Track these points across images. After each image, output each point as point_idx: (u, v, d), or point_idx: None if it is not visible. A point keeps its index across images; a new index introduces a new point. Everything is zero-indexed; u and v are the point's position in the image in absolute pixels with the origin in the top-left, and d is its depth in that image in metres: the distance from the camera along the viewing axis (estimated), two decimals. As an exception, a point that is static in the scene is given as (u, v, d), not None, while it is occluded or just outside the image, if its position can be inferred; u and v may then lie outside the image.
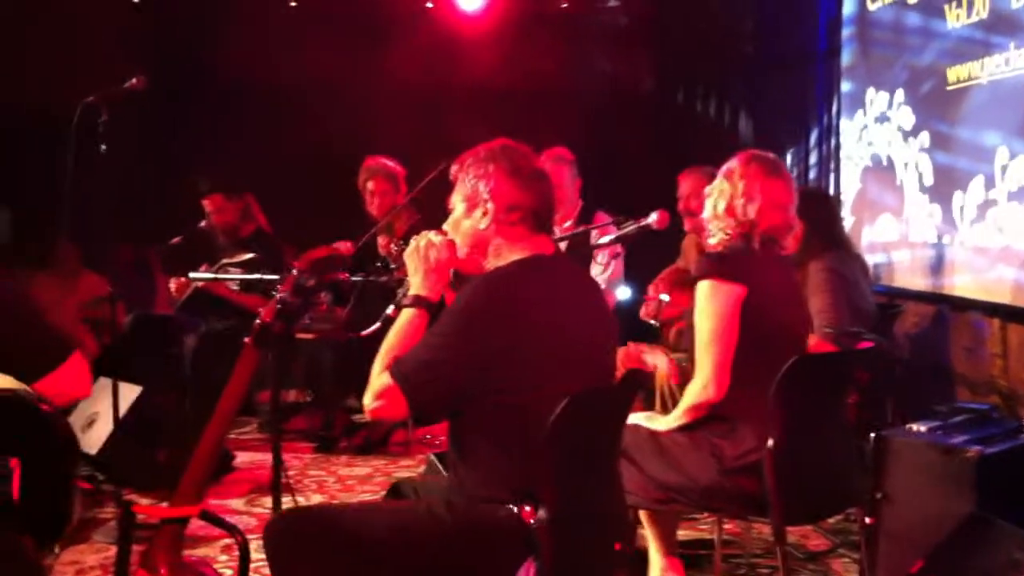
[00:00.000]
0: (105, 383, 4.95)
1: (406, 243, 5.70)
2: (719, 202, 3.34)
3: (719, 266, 3.23)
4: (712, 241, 3.39)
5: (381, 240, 5.74)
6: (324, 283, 2.99)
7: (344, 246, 5.82)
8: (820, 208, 4.45)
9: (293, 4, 8.18)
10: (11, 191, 6.47)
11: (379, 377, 2.55)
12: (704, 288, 3.21)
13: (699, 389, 3.20)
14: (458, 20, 8.14)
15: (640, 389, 3.01)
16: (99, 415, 4.97)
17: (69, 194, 4.23)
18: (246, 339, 2.89)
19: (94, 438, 4.90)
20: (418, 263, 2.70)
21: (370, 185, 6.00)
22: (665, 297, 4.95)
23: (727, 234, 3.33)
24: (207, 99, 7.84)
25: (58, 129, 4.27)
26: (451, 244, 2.71)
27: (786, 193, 3.35)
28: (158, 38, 7.47)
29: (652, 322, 5.07)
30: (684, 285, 5.11)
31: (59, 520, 3.96)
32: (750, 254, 3.29)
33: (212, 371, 5.71)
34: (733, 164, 3.37)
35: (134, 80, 4.33)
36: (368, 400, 2.57)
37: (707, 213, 3.40)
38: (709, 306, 3.19)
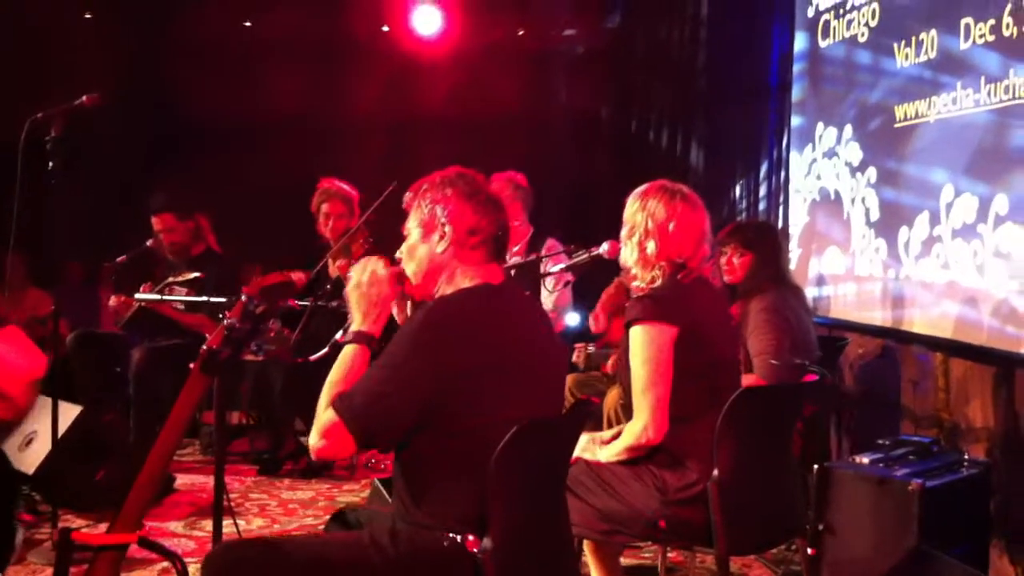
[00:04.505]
0: (44, 402, 4.88)
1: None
2: (648, 243, 3.28)
3: (649, 309, 3.20)
4: (639, 284, 3.36)
5: (336, 263, 5.72)
6: (274, 310, 2.96)
7: (297, 276, 5.78)
8: (770, 241, 4.58)
9: (247, 24, 8.15)
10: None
11: (324, 414, 2.47)
12: (636, 333, 3.20)
13: (639, 431, 3.18)
14: (415, 46, 8.17)
15: (588, 419, 3.00)
16: (37, 434, 4.90)
17: (17, 210, 4.17)
18: (192, 365, 2.84)
19: (31, 457, 4.82)
20: (359, 298, 2.63)
21: (325, 207, 5.97)
22: (592, 348, 5.00)
23: (647, 274, 3.30)
24: (163, 119, 7.79)
25: (8, 145, 4.22)
26: (394, 277, 2.65)
27: (706, 224, 3.33)
28: (114, 57, 7.41)
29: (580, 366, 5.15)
30: (621, 311, 5.16)
31: (5, 546, 3.91)
32: (678, 288, 3.26)
33: (156, 387, 5.67)
34: (653, 204, 3.29)
35: (85, 98, 4.28)
36: (314, 439, 2.47)
37: (632, 257, 3.33)
38: (643, 351, 3.18)
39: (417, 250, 2.65)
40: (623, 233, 3.36)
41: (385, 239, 5.52)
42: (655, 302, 3.22)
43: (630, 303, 3.30)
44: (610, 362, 4.97)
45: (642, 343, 3.18)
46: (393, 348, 2.48)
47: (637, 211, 3.31)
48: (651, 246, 3.27)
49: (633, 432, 3.20)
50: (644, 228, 3.28)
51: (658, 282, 3.29)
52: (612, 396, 4.77)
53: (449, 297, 2.59)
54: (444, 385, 2.44)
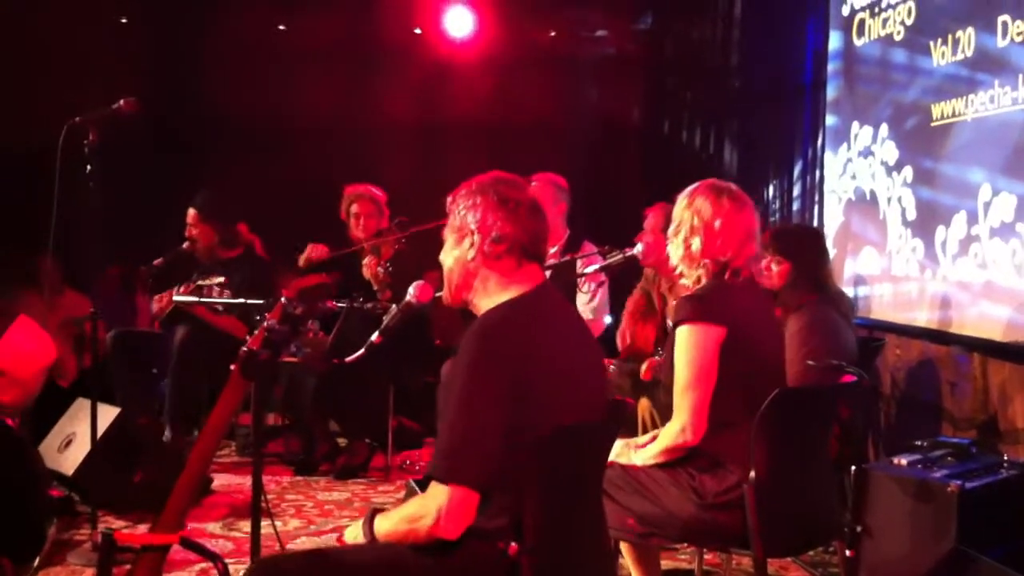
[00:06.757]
0: (83, 404, 4.93)
1: (393, 265, 5.74)
2: (693, 240, 3.28)
3: (698, 309, 3.20)
4: (686, 282, 3.37)
5: (367, 262, 5.76)
6: (312, 311, 2.97)
7: (318, 249, 5.86)
8: (811, 247, 4.48)
9: (281, 28, 8.19)
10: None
11: (424, 497, 2.42)
12: (683, 332, 3.20)
13: (676, 432, 3.19)
14: (447, 48, 8.18)
15: (623, 422, 2.99)
16: (76, 436, 4.95)
17: (56, 213, 4.21)
18: (232, 366, 2.85)
19: (71, 459, 4.87)
20: None
21: (354, 208, 6.02)
22: (612, 368, 4.94)
23: (693, 272, 3.31)
24: (195, 123, 7.85)
25: (46, 149, 4.26)
26: None
27: (754, 223, 3.34)
28: (148, 61, 7.48)
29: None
30: (646, 317, 5.12)
31: (34, 537, 3.95)
32: (726, 290, 3.26)
33: (197, 365, 5.79)
34: (700, 201, 3.29)
35: (122, 102, 4.32)
36: (429, 521, 2.38)
37: (678, 254, 3.34)
38: (688, 352, 3.18)
39: (450, 256, 2.67)
40: (670, 230, 3.38)
41: (416, 239, 5.58)
42: (703, 303, 3.22)
43: (678, 303, 3.30)
44: (644, 367, 4.93)
45: (688, 344, 3.18)
46: (458, 387, 2.44)
47: (684, 208, 3.32)
48: (696, 243, 3.28)
49: (671, 433, 3.20)
50: (690, 225, 3.29)
51: (703, 281, 3.29)
52: (645, 401, 4.76)
53: (495, 318, 2.56)
54: (514, 405, 2.42)
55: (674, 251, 3.36)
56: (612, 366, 4.92)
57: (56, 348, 4.25)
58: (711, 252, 3.27)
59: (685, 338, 3.19)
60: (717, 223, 3.26)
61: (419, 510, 2.43)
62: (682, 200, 3.35)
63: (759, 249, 3.38)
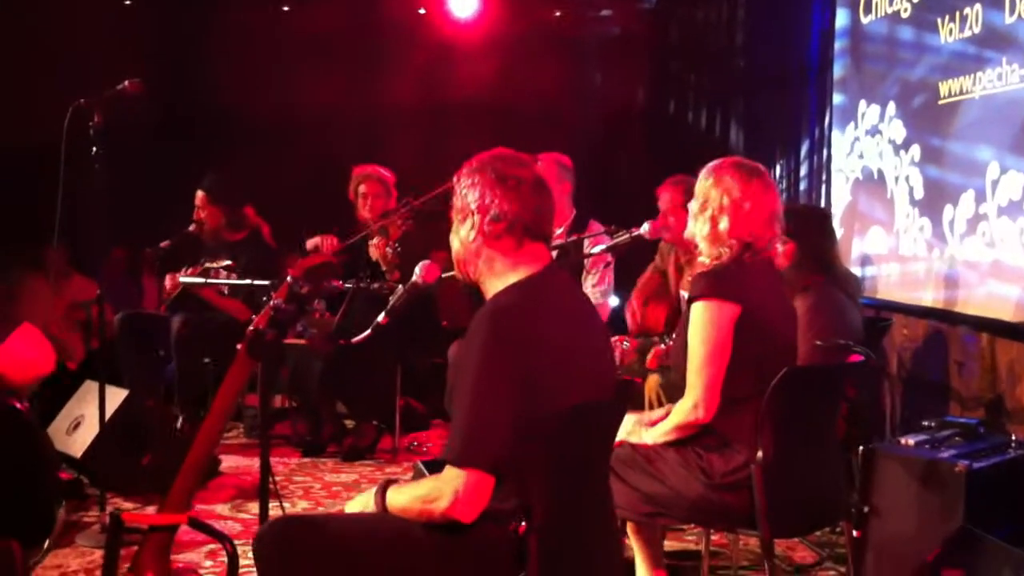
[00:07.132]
0: (91, 386, 4.95)
1: (401, 246, 5.73)
2: (721, 219, 3.25)
3: (713, 285, 3.19)
4: (704, 259, 3.35)
5: (374, 243, 5.75)
6: (318, 291, 2.96)
7: (329, 241, 5.87)
8: (817, 228, 4.43)
9: (285, 9, 8.17)
10: (3, 194, 6.48)
11: (443, 480, 2.40)
12: (699, 308, 3.18)
13: (689, 408, 3.18)
14: (452, 28, 8.15)
15: (629, 401, 2.98)
16: (84, 418, 4.97)
17: (61, 196, 4.21)
18: (239, 346, 2.85)
19: (79, 441, 4.88)
20: None
21: (362, 188, 6.03)
22: (626, 344, 4.89)
23: (714, 250, 3.28)
24: (199, 106, 7.84)
25: (50, 131, 4.26)
26: None
27: (777, 204, 3.33)
28: (153, 45, 7.47)
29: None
30: (658, 297, 5.09)
31: (43, 519, 3.98)
32: (743, 268, 3.24)
33: (198, 353, 5.80)
34: (729, 181, 3.25)
35: (127, 83, 4.31)
36: (445, 504, 2.38)
37: (702, 232, 3.31)
38: (704, 328, 3.16)
39: (456, 238, 2.66)
40: (693, 207, 3.34)
41: (424, 220, 5.57)
42: (720, 279, 3.20)
43: (694, 278, 3.28)
44: (649, 356, 4.89)
45: (703, 321, 3.17)
46: (471, 371, 2.43)
47: (712, 186, 3.28)
48: (724, 223, 3.24)
49: (683, 410, 3.20)
50: (719, 204, 3.25)
51: (724, 259, 3.26)
52: (652, 380, 4.74)
53: (504, 301, 2.54)
54: (524, 388, 2.42)
55: (699, 228, 3.31)
56: (624, 343, 4.89)
57: (55, 358, 4.31)
58: (738, 232, 3.24)
59: (700, 314, 3.18)
60: (747, 204, 3.22)
61: (434, 491, 2.42)
62: (707, 177, 3.30)
63: (780, 229, 3.35)
